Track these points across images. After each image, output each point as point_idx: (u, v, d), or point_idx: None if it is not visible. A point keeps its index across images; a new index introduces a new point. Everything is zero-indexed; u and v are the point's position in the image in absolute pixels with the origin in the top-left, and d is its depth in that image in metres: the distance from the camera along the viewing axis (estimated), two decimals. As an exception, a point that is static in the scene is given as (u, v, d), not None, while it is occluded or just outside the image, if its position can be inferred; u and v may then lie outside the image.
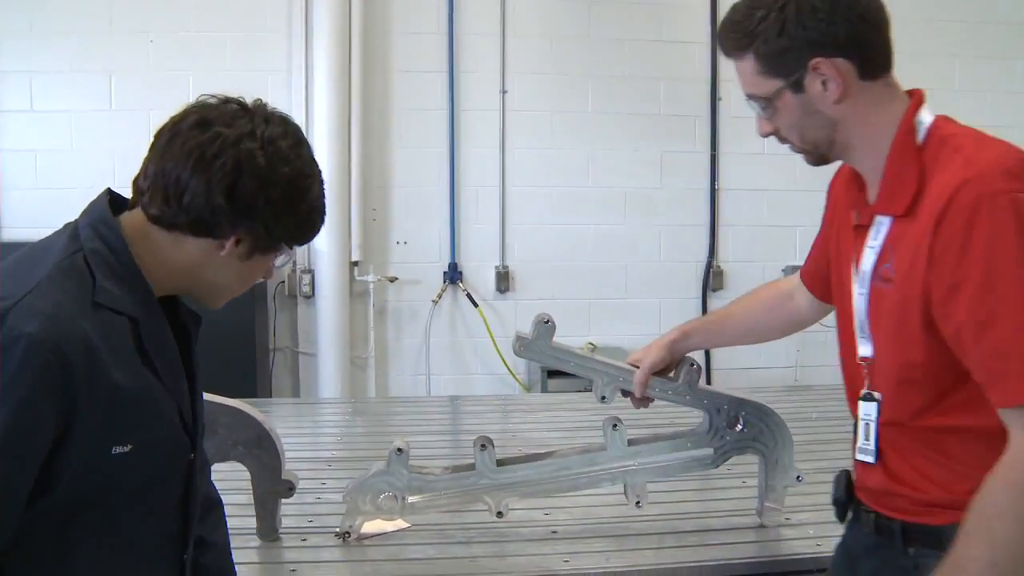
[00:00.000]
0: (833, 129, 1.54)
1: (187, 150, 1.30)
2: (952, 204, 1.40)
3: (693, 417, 2.39)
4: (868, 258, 1.58)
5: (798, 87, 1.51)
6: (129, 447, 1.29)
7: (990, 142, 1.48)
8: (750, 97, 1.58)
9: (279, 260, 1.46)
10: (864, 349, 1.63)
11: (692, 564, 2.13)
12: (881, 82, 1.53)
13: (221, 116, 1.33)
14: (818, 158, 1.61)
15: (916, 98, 1.56)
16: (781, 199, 5.85)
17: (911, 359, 1.51)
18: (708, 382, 5.65)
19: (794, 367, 5.83)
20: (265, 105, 1.39)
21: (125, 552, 1.37)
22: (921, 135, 1.52)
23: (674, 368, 2.24)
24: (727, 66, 6.01)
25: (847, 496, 1.74)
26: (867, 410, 1.63)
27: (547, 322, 2.19)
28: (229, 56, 5.24)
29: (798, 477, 2.32)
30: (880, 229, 1.56)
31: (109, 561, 1.35)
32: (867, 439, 1.63)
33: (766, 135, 1.61)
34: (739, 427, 2.29)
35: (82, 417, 1.22)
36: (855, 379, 1.67)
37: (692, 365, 2.22)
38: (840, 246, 1.72)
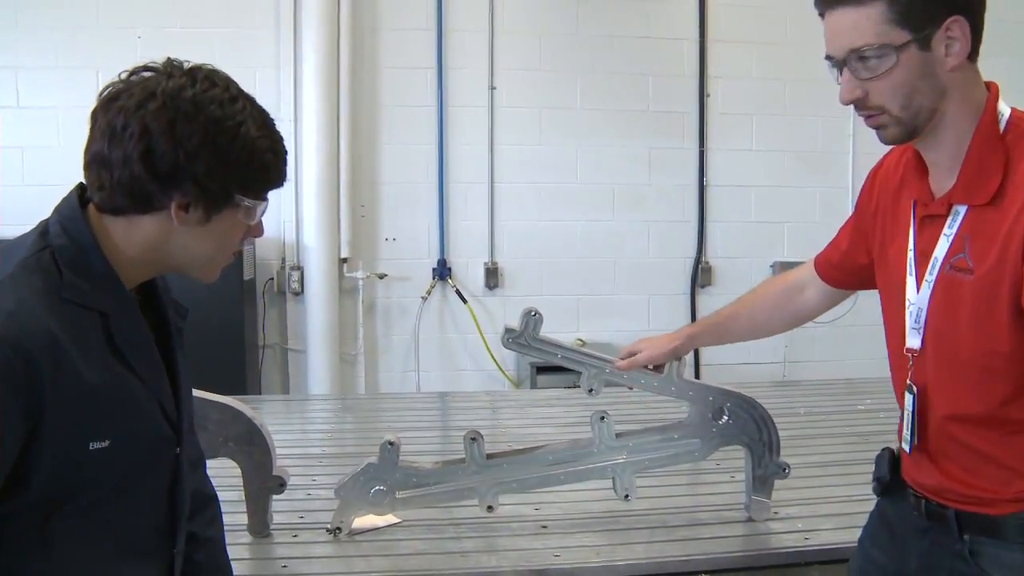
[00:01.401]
0: (941, 98, 1.47)
1: (101, 129, 1.29)
2: None
3: (680, 411, 2.40)
4: (942, 247, 1.53)
5: (925, 44, 1.44)
6: (107, 442, 1.27)
7: None
8: (855, 52, 1.46)
9: (257, 212, 1.39)
10: (913, 341, 1.61)
11: (681, 558, 2.14)
12: (974, 68, 1.50)
13: (128, 86, 1.30)
14: (909, 131, 1.51)
15: (995, 89, 1.52)
16: (769, 195, 5.88)
17: (996, 348, 1.47)
18: (696, 377, 5.67)
19: (782, 363, 5.86)
20: (178, 62, 1.33)
21: (111, 546, 1.36)
22: (1003, 125, 1.50)
23: None
24: (715, 62, 6.06)
25: (891, 475, 1.74)
26: (908, 401, 1.63)
27: (535, 315, 2.21)
28: (217, 52, 5.18)
29: (784, 469, 2.33)
30: (956, 218, 1.51)
31: (95, 555, 1.33)
32: (908, 429, 1.64)
33: (850, 101, 1.50)
34: (724, 418, 2.30)
35: (51, 413, 1.20)
36: (902, 370, 1.65)
37: (677, 358, 2.24)
38: (887, 236, 1.70)
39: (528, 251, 5.68)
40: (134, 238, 1.33)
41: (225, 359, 4.95)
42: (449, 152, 5.57)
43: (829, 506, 2.40)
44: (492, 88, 5.60)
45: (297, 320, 5.52)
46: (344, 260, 5.46)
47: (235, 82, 1.35)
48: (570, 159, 5.69)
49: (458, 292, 5.62)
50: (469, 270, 5.67)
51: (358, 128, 5.45)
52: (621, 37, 5.69)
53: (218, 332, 4.96)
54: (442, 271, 5.61)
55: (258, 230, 1.43)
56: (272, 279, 5.51)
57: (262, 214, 1.41)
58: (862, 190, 1.84)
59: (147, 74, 1.31)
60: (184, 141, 1.27)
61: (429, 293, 5.63)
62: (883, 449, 1.79)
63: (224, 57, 5.58)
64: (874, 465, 1.79)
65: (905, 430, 1.66)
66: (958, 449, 1.58)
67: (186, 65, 1.33)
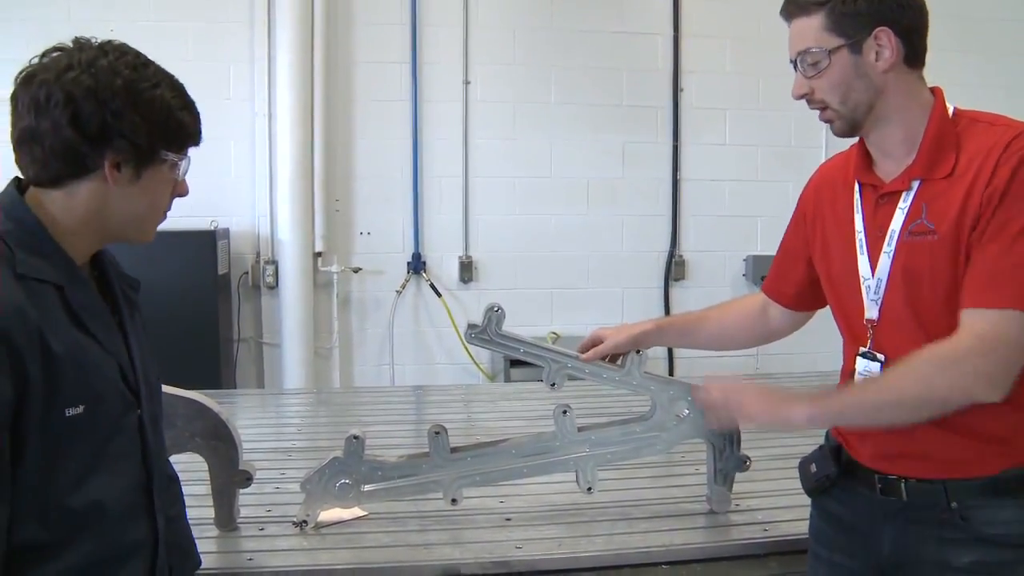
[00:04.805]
0: (876, 96, 1.70)
1: (26, 107, 1.37)
2: (1006, 151, 1.59)
3: (644, 404, 2.42)
4: (897, 219, 1.71)
5: (856, 49, 1.68)
6: (82, 408, 1.35)
7: (1015, 120, 1.67)
8: (801, 54, 1.71)
9: (181, 168, 1.49)
10: (871, 312, 1.77)
11: (641, 549, 2.17)
12: (917, 73, 1.74)
13: (43, 65, 1.39)
14: (851, 125, 1.74)
15: (940, 89, 1.75)
16: (742, 189, 5.93)
17: (959, 282, 1.64)
18: (671, 370, 5.72)
19: (755, 355, 5.90)
20: (88, 39, 1.43)
21: (114, 509, 1.43)
22: (950, 114, 1.72)
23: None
24: (689, 57, 6.06)
25: (840, 469, 1.85)
26: (866, 366, 1.79)
27: (497, 310, 2.24)
28: (191, 46, 5.23)
29: (745, 462, 2.37)
30: (909, 194, 1.70)
31: (104, 519, 1.41)
32: None
33: (800, 96, 1.75)
34: (685, 412, 2.34)
35: (32, 383, 1.28)
36: (859, 342, 1.81)
37: (638, 352, 2.27)
38: (828, 232, 1.88)
39: (502, 245, 5.71)
40: (75, 208, 1.41)
41: (200, 353, 4.96)
42: (423, 146, 5.59)
43: (789, 498, 2.43)
44: (467, 83, 5.62)
45: (272, 314, 5.53)
46: (319, 254, 5.47)
47: (144, 54, 1.45)
48: (544, 153, 5.72)
49: (432, 286, 5.65)
50: (443, 264, 5.70)
51: (332, 122, 5.45)
52: (595, 32, 5.72)
53: (193, 326, 4.97)
54: (416, 265, 5.63)
55: (183, 188, 1.53)
56: (247, 273, 5.52)
57: (186, 170, 1.51)
58: (800, 202, 2.03)
59: (57, 54, 1.40)
60: (108, 102, 1.37)
61: (403, 287, 5.65)
62: (817, 448, 1.92)
63: (198, 51, 5.58)
64: (809, 467, 1.91)
65: None
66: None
67: (96, 41, 1.43)
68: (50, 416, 1.31)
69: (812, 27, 1.69)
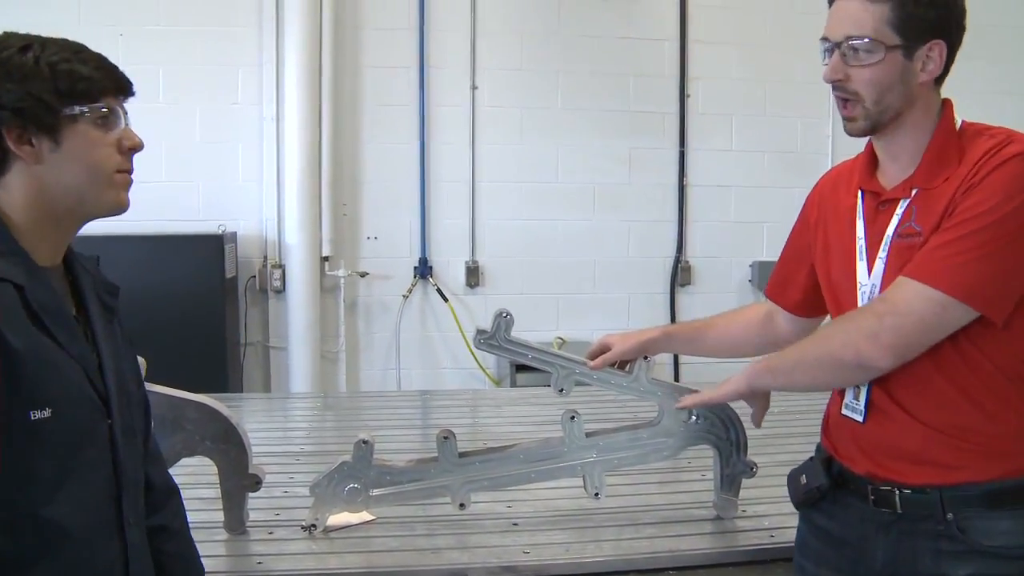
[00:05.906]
0: (907, 103, 1.68)
1: None
2: (993, 157, 1.60)
3: (652, 410, 2.43)
4: (892, 225, 1.72)
5: (909, 54, 1.65)
6: (49, 411, 1.29)
7: (1018, 132, 1.67)
8: (850, 39, 1.65)
9: (111, 120, 1.40)
10: None
11: (648, 555, 2.18)
12: (938, 89, 1.74)
13: None
14: (873, 126, 1.71)
15: (950, 102, 1.75)
16: (748, 195, 5.93)
17: None
18: (676, 375, 5.73)
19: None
20: None
21: (84, 521, 1.37)
22: (957, 126, 1.72)
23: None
24: (695, 63, 6.07)
25: (831, 481, 1.83)
26: None
27: (506, 316, 2.25)
28: (199, 50, 5.24)
29: (752, 468, 2.38)
30: (906, 201, 1.71)
31: (73, 532, 1.35)
32: (857, 399, 1.77)
33: (833, 80, 1.70)
34: (692, 418, 2.34)
35: None
36: None
37: (645, 358, 2.28)
38: (830, 238, 1.87)
39: (509, 250, 5.72)
40: (15, 200, 1.36)
41: (207, 357, 4.98)
42: (431, 151, 5.61)
43: (795, 504, 2.44)
44: (474, 88, 5.63)
45: (279, 318, 5.55)
46: (326, 258, 5.49)
47: (12, 30, 1.40)
48: (551, 158, 5.73)
49: (439, 291, 5.66)
50: (450, 269, 5.71)
51: (340, 127, 5.47)
52: (602, 37, 5.73)
53: (200, 330, 4.99)
54: (423, 270, 5.64)
55: (132, 139, 1.43)
56: (254, 277, 5.53)
57: (120, 122, 1.42)
58: (805, 207, 2.03)
59: None
60: None
61: (410, 291, 5.66)
62: (808, 460, 1.91)
63: (206, 55, 5.59)
64: (799, 479, 1.89)
65: (851, 399, 1.78)
66: (922, 405, 1.67)
67: None
68: (12, 417, 1.26)
69: (873, 15, 1.64)
